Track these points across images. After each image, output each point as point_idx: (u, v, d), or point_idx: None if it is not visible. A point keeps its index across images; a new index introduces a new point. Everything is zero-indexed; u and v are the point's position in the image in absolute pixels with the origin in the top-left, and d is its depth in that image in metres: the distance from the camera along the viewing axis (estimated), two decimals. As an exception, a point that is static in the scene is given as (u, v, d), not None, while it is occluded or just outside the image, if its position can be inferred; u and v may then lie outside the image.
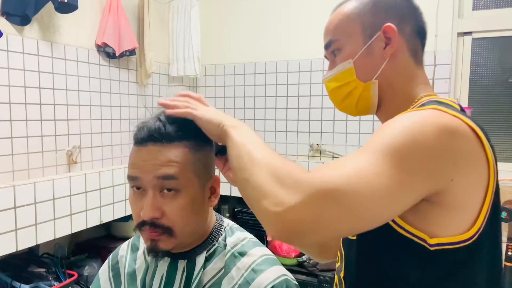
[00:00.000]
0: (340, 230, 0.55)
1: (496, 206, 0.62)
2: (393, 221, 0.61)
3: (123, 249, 0.84)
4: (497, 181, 0.62)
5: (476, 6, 2.17)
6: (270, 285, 0.67)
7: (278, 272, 0.70)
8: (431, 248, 0.59)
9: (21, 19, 1.63)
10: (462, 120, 0.58)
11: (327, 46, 0.77)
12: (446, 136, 0.55)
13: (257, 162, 0.57)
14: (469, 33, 2.16)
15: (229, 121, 0.67)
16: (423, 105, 0.66)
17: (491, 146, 0.61)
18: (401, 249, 0.62)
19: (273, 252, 0.79)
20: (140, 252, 0.80)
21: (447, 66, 2.15)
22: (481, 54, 2.18)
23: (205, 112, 0.70)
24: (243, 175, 0.59)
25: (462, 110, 0.67)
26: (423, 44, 0.75)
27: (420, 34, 0.74)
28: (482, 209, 0.59)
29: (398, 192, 0.53)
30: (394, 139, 0.55)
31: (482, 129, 0.60)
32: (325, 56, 0.80)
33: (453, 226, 0.59)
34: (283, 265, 0.75)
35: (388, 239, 0.63)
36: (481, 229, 0.59)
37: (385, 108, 0.73)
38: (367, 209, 0.52)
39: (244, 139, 0.63)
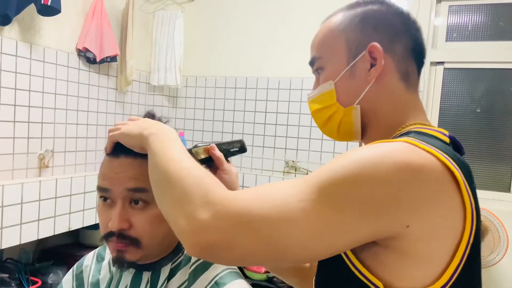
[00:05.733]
0: (255, 260, 0.52)
1: (473, 258, 0.53)
2: (350, 261, 0.56)
3: (88, 259, 0.84)
4: (477, 229, 0.53)
5: (449, 38, 2.28)
6: None
7: (240, 285, 0.71)
8: None
9: (2, 19, 1.61)
10: (437, 157, 0.50)
11: (311, 63, 0.71)
12: (405, 174, 0.48)
13: (174, 176, 0.55)
14: (441, 63, 2.27)
15: (151, 129, 0.64)
16: (401, 135, 0.60)
17: (473, 190, 0.53)
18: None
19: (244, 267, 0.80)
20: (105, 263, 0.80)
21: (419, 93, 2.23)
22: (452, 83, 2.29)
23: (126, 127, 0.67)
24: (159, 189, 0.58)
25: (455, 143, 0.61)
26: (419, 65, 0.68)
27: (416, 53, 0.66)
28: (452, 261, 0.51)
29: (325, 231, 0.48)
30: (338, 173, 0.50)
31: (466, 168, 0.54)
32: (313, 72, 0.74)
33: (413, 277, 0.51)
34: (252, 280, 0.75)
35: (344, 280, 0.57)
36: (448, 285, 0.51)
37: (370, 135, 0.67)
38: (284, 244, 0.49)
39: (162, 148, 0.60)
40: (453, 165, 0.51)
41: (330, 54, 0.67)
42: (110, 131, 0.71)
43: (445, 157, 0.51)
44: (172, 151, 0.60)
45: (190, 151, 0.75)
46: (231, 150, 0.81)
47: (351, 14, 0.67)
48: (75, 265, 0.85)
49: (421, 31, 0.68)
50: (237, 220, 0.49)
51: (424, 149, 0.51)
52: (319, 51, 0.69)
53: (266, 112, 2.58)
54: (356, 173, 0.49)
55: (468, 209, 0.51)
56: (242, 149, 0.82)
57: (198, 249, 0.50)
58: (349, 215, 0.48)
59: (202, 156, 0.77)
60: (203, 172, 0.57)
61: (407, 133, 0.59)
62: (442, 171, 0.50)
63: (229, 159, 0.81)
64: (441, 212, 0.50)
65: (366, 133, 0.68)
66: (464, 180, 0.51)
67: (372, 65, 0.64)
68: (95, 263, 0.82)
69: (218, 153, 0.76)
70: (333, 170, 0.50)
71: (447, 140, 0.59)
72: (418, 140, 0.53)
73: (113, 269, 0.77)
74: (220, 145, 0.79)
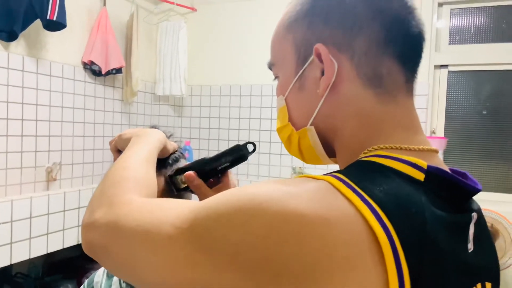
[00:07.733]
0: (127, 276, 0.47)
1: None
2: None
3: (99, 275, 0.84)
4: None
5: (452, 41, 2.28)
6: None
7: None
8: None
9: (8, 35, 1.63)
10: (358, 210, 0.35)
11: (270, 69, 0.55)
12: (294, 231, 0.34)
13: (109, 174, 0.55)
14: (445, 66, 2.26)
15: (139, 132, 0.65)
16: (348, 167, 0.43)
17: (418, 260, 0.34)
18: None
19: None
20: (115, 279, 0.81)
21: (425, 96, 2.23)
22: (457, 86, 2.28)
23: (122, 132, 0.69)
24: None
25: (446, 179, 0.41)
26: (406, 60, 0.47)
27: (394, 43, 0.46)
28: None
29: (185, 269, 0.38)
30: (218, 207, 0.39)
31: (417, 225, 0.36)
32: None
33: None
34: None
35: None
36: None
37: (339, 159, 0.50)
38: (140, 272, 0.42)
39: (128, 148, 0.61)
40: (381, 222, 0.34)
41: (281, 60, 0.51)
42: (110, 143, 0.72)
43: (371, 209, 0.35)
44: (130, 151, 0.60)
45: (170, 178, 0.70)
46: (219, 168, 0.66)
47: (300, 3, 0.49)
48: (86, 282, 0.85)
49: (411, 7, 0.47)
50: (112, 227, 0.46)
51: (344, 195, 0.36)
52: (272, 56, 0.54)
53: (271, 118, 2.58)
54: (231, 213, 0.37)
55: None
56: (236, 160, 0.67)
57: (85, 246, 0.49)
58: (214, 260, 0.37)
59: (182, 186, 0.68)
60: (134, 174, 0.54)
61: (353, 165, 0.43)
62: (358, 230, 0.34)
63: (230, 170, 0.69)
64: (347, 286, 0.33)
65: (336, 156, 0.50)
66: (399, 246, 0.34)
67: (323, 73, 0.46)
68: (106, 279, 0.82)
69: (196, 182, 0.66)
70: (219, 201, 0.40)
71: (420, 176, 0.40)
72: (345, 180, 0.37)
73: (124, 284, 0.77)
74: (203, 165, 0.67)
